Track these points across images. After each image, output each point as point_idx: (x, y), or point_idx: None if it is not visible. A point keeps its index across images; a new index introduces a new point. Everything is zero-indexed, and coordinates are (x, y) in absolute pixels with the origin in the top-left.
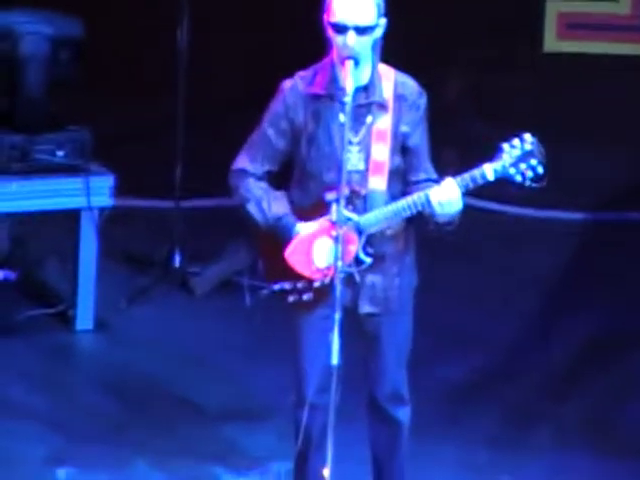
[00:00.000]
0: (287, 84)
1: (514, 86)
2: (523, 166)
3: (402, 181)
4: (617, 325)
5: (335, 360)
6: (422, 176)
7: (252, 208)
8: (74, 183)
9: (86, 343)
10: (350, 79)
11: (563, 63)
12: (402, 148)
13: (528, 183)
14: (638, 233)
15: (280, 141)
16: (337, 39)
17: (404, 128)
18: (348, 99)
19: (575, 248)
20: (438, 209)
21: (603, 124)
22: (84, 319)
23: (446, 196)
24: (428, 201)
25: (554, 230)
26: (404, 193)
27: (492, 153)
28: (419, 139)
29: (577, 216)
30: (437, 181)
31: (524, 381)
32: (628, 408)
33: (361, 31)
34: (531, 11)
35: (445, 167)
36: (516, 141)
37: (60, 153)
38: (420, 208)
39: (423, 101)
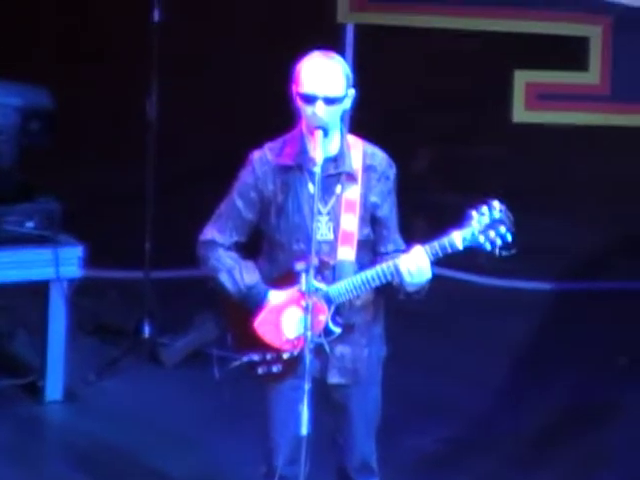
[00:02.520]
0: (256, 155)
1: (483, 156)
2: (492, 234)
3: (371, 251)
4: (586, 395)
5: (304, 431)
6: (391, 247)
7: (224, 278)
8: (43, 254)
9: (55, 414)
10: (319, 149)
11: (532, 133)
12: (372, 219)
13: (497, 251)
14: (606, 302)
15: (249, 212)
16: (306, 109)
17: (373, 199)
18: (317, 169)
19: (544, 317)
20: (407, 278)
21: (572, 194)
22: (53, 390)
23: (415, 265)
24: (397, 270)
25: (523, 299)
26: (373, 263)
27: (461, 221)
28: (388, 210)
29: (545, 286)
30: (405, 252)
31: (494, 451)
32: (598, 477)
33: (330, 101)
34: (500, 81)
35: (414, 236)
36: (484, 209)
37: (29, 224)
38: (389, 277)
39: (392, 172)
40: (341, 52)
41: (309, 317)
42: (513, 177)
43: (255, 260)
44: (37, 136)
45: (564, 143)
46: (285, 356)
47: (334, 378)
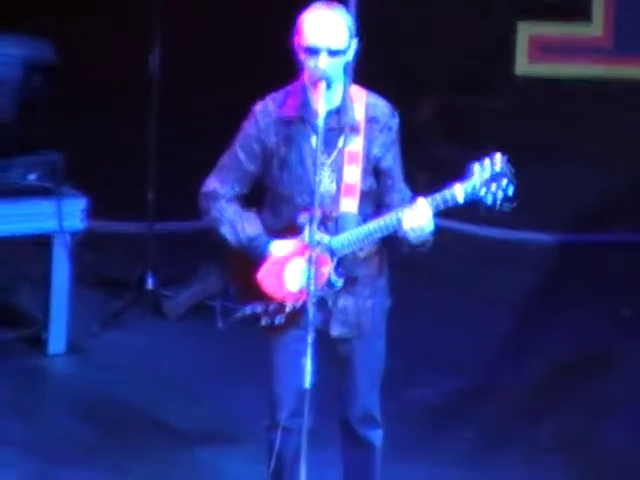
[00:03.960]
0: (259, 107)
1: (486, 109)
2: (493, 187)
3: (374, 203)
4: (587, 346)
5: (308, 383)
6: (397, 197)
7: (225, 229)
8: (46, 206)
9: (59, 367)
10: (322, 101)
11: (535, 86)
12: (375, 170)
13: (499, 204)
14: (610, 254)
15: (251, 164)
16: (309, 62)
17: (376, 150)
18: (320, 122)
19: (547, 269)
20: (410, 231)
21: (574, 147)
22: (57, 343)
23: (417, 217)
24: (400, 223)
25: (524, 251)
26: (377, 215)
27: (463, 175)
28: (392, 161)
29: (548, 238)
30: (411, 201)
31: (496, 401)
32: (600, 426)
33: (333, 53)
34: (503, 34)
35: (416, 188)
36: (486, 162)
37: (32, 176)
38: (392, 230)
39: (395, 122)
40: (344, 2)
41: (312, 269)
42: (516, 129)
43: (258, 212)
44: (39, 89)
45: (567, 96)
46: (288, 307)
47: (337, 330)
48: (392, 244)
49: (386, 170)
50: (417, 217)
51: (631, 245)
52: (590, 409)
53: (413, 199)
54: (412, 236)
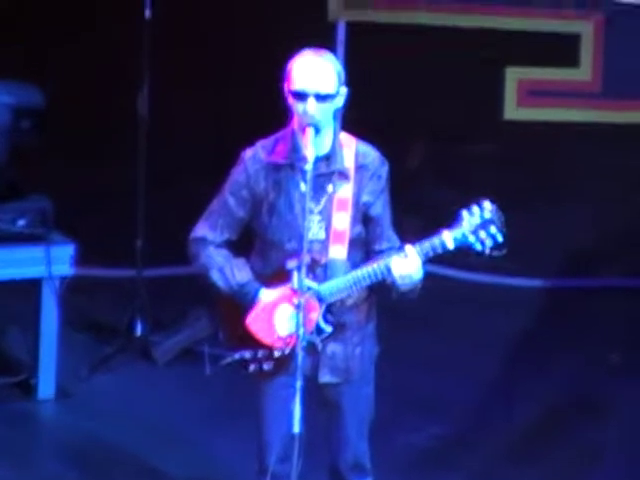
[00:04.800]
0: (248, 153)
1: (474, 153)
2: (483, 234)
3: (363, 249)
4: (577, 391)
5: (297, 429)
6: (385, 245)
7: (215, 275)
8: (35, 252)
9: (48, 412)
10: (311, 147)
11: (524, 130)
12: (364, 217)
13: (488, 252)
14: (595, 299)
15: (240, 210)
16: (298, 106)
17: (366, 198)
18: (309, 167)
19: (535, 314)
20: (399, 278)
21: (563, 190)
22: (46, 388)
23: (406, 265)
24: (389, 270)
25: (514, 296)
26: (366, 261)
27: (452, 220)
28: (381, 208)
29: (536, 283)
30: (400, 249)
31: (487, 448)
32: (589, 473)
33: (321, 98)
34: (491, 78)
35: (406, 233)
36: (475, 209)
37: (21, 222)
38: (380, 277)
39: (385, 170)
40: (333, 50)
41: (301, 314)
42: (505, 174)
43: (247, 258)
44: (28, 134)
45: (556, 140)
46: (276, 354)
47: (325, 377)
48: (381, 290)
49: (375, 218)
50: (406, 265)
51: (620, 290)
52: (579, 456)
53: (402, 247)
54: (401, 283)
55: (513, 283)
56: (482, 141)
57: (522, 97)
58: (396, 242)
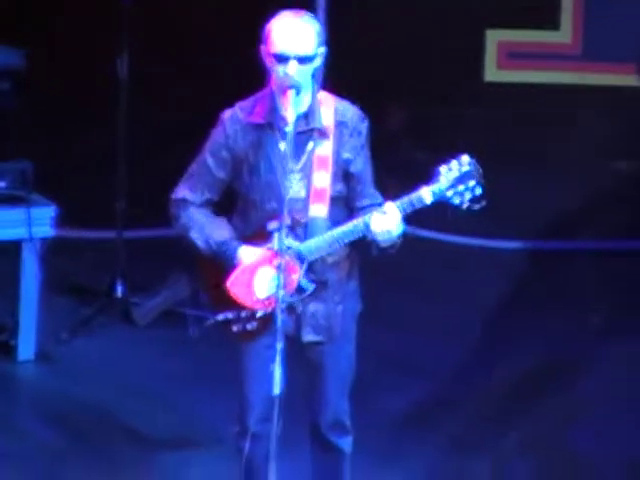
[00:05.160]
0: (227, 114)
1: (455, 115)
2: (461, 187)
3: (344, 207)
4: (556, 352)
5: (277, 390)
6: (367, 202)
7: (194, 235)
8: (15, 214)
9: (28, 373)
10: (291, 108)
11: (504, 92)
12: (345, 174)
13: (466, 205)
14: (572, 261)
15: (220, 170)
16: (278, 69)
17: (346, 155)
18: (290, 128)
19: (517, 276)
20: (379, 234)
21: (544, 153)
22: (26, 350)
23: (386, 221)
24: (368, 227)
25: (493, 258)
26: (348, 219)
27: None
28: (362, 165)
29: (515, 244)
30: (380, 205)
31: (465, 409)
32: (569, 435)
33: (302, 60)
34: (472, 40)
35: (387, 195)
36: (453, 163)
37: (1, 184)
38: (360, 234)
39: (364, 126)
40: (313, 11)
41: (281, 276)
42: (486, 136)
43: (230, 218)
44: (7, 96)
45: (536, 102)
46: (259, 314)
47: (308, 336)
48: (361, 247)
49: (356, 174)
50: (385, 221)
51: (599, 252)
52: (558, 414)
53: (382, 203)
54: (381, 239)
55: (492, 245)
56: (463, 103)
57: (502, 59)
58: (378, 198)
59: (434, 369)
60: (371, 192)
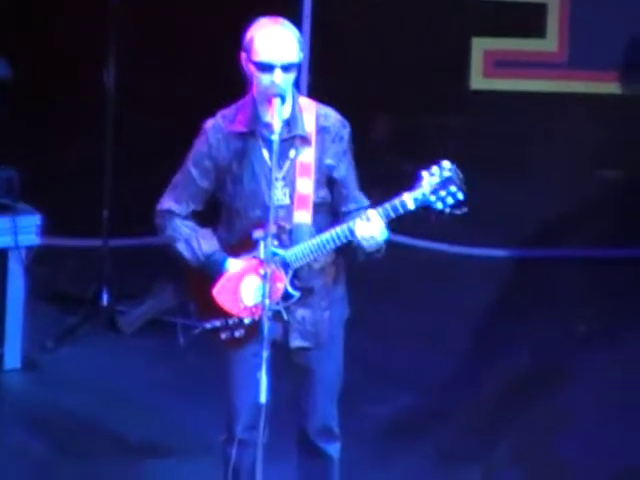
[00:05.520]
0: (209, 123)
1: (441, 124)
2: (443, 193)
3: (328, 213)
4: (542, 361)
5: (263, 398)
6: (352, 206)
7: (181, 247)
8: (1, 222)
9: (14, 382)
10: (277, 117)
11: (490, 101)
12: (328, 180)
13: (448, 210)
14: (558, 269)
15: (204, 180)
16: (262, 78)
17: (329, 161)
18: (275, 137)
19: (502, 285)
20: (363, 241)
21: (530, 161)
22: (12, 358)
23: (369, 228)
24: (352, 233)
25: (479, 267)
26: (333, 224)
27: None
28: (345, 170)
29: (503, 253)
30: (367, 208)
31: (452, 418)
32: (557, 445)
33: (287, 68)
34: (457, 49)
35: (373, 207)
36: (435, 169)
37: None
38: (345, 240)
39: (346, 132)
40: (298, 23)
41: (267, 285)
42: (472, 144)
43: (214, 228)
44: None
45: (522, 111)
46: (247, 321)
47: (296, 342)
48: (347, 252)
49: (340, 180)
50: (369, 228)
51: (584, 260)
52: (547, 425)
53: (367, 208)
54: (366, 245)
55: (478, 253)
56: (449, 112)
57: (489, 68)
58: (363, 202)
59: (419, 378)
60: (356, 195)
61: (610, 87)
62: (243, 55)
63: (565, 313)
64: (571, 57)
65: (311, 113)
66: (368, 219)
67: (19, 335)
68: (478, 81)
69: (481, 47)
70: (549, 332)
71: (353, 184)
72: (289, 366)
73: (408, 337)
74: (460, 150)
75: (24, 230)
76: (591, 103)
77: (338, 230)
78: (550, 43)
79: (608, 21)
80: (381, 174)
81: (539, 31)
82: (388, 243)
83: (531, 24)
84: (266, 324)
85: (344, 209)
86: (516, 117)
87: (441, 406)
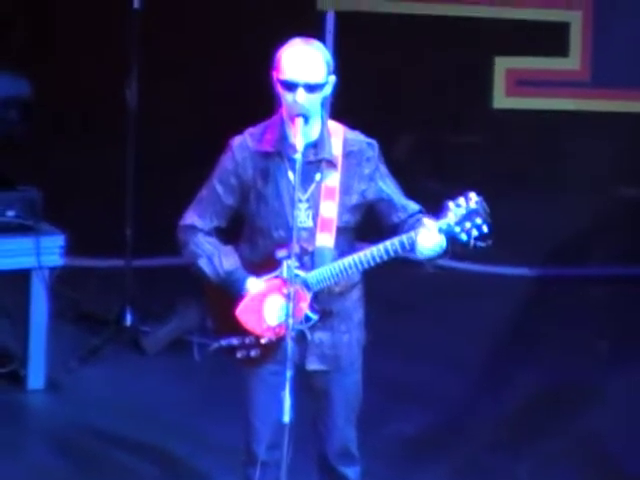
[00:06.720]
0: (236, 141)
1: (463, 143)
2: (468, 225)
3: (350, 237)
4: (563, 379)
5: (287, 418)
6: (403, 215)
7: (203, 263)
8: (24, 243)
9: (37, 403)
10: (300, 137)
11: (512, 119)
12: (368, 203)
13: (473, 242)
14: (586, 287)
15: (229, 197)
16: (287, 96)
17: (359, 184)
18: (298, 156)
19: (524, 303)
20: (424, 250)
21: (552, 180)
22: (35, 379)
23: (430, 236)
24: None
25: (502, 285)
26: (355, 249)
27: (439, 211)
28: (381, 186)
29: (525, 271)
30: (421, 211)
31: (475, 437)
32: (578, 464)
33: (311, 89)
34: (480, 68)
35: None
36: (461, 200)
37: (10, 213)
38: (367, 265)
39: (374, 153)
40: (322, 39)
41: (291, 304)
42: (495, 163)
43: (236, 244)
44: (15, 125)
45: (545, 129)
46: (263, 340)
47: (313, 364)
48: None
49: (378, 197)
50: (430, 236)
51: (608, 278)
52: (566, 443)
53: (421, 210)
54: (426, 254)
55: (500, 272)
56: (471, 131)
57: (511, 87)
58: (414, 207)
59: (441, 397)
60: (404, 203)
61: (633, 105)
62: (273, 73)
63: (586, 331)
64: (594, 75)
65: (339, 137)
66: (428, 229)
67: (43, 356)
68: (500, 100)
69: (503, 66)
70: (570, 350)
71: (396, 194)
72: (307, 388)
73: (428, 356)
74: (482, 168)
75: (47, 251)
76: (613, 121)
77: (361, 256)
78: (573, 62)
79: (631, 40)
80: (405, 192)
81: (562, 50)
82: (406, 263)
83: (554, 43)
84: (290, 344)
85: (396, 220)
86: (538, 135)
87: (461, 425)
